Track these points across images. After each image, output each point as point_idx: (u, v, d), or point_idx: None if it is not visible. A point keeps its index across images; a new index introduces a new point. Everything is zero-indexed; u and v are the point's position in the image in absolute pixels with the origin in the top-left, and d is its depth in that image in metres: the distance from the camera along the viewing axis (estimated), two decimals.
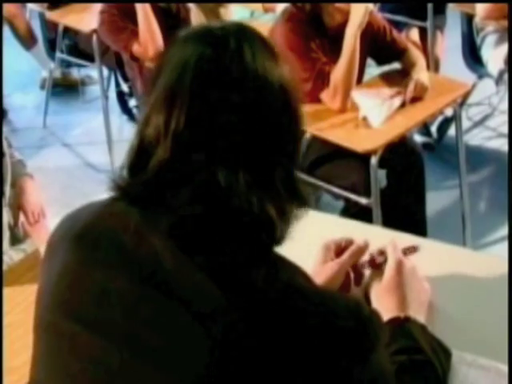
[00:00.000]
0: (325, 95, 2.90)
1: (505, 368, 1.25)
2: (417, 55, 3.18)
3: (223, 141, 0.93)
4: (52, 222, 2.42)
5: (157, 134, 0.95)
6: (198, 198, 0.91)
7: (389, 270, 1.35)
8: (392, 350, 1.18)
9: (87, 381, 0.93)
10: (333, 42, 2.94)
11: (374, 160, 2.77)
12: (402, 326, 1.24)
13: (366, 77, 3.26)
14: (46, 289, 1.02)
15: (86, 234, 1.00)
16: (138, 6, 3.39)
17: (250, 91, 0.94)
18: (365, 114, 2.87)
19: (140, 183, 0.96)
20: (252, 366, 0.86)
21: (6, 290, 1.69)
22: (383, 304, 1.30)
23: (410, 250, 1.43)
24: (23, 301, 1.63)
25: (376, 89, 3.04)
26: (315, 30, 2.93)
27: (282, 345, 0.86)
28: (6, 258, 2.17)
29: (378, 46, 3.10)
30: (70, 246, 1.01)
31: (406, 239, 1.66)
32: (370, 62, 3.29)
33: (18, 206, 2.49)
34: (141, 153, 0.98)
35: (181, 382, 0.88)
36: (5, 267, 2.04)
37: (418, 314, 1.27)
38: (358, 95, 2.95)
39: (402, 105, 2.94)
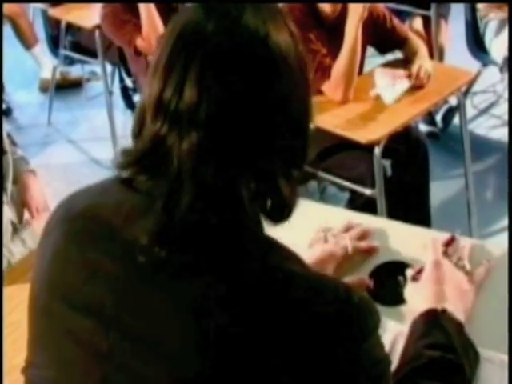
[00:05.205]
0: (326, 87, 2.89)
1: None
2: (418, 44, 3.17)
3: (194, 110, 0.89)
4: None
5: (145, 104, 0.94)
6: (178, 184, 0.89)
7: (429, 265, 1.38)
8: (425, 343, 1.18)
9: (79, 364, 0.94)
10: (330, 32, 2.94)
11: (377, 150, 2.76)
12: (439, 319, 1.24)
13: (370, 66, 3.25)
14: (39, 272, 1.02)
15: (79, 219, 0.99)
16: (141, 2, 3.38)
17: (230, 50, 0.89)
18: (378, 92, 2.88)
19: (130, 162, 0.95)
20: (239, 350, 0.85)
21: (8, 289, 1.69)
22: (421, 294, 1.33)
23: (450, 242, 1.49)
24: (26, 299, 1.63)
25: (391, 69, 3.07)
26: (314, 21, 2.93)
27: (270, 331, 0.85)
28: (5, 252, 2.16)
29: (378, 33, 3.09)
30: (63, 230, 1.01)
31: (412, 230, 1.66)
32: (374, 51, 3.28)
33: (21, 203, 2.49)
34: (138, 124, 0.96)
35: (169, 367, 0.87)
36: (5, 262, 2.04)
37: (456, 312, 1.27)
38: (377, 73, 2.99)
39: (409, 90, 2.95)
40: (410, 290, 1.39)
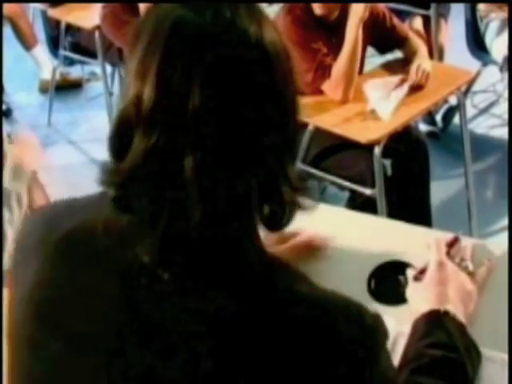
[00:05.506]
0: (326, 86, 2.89)
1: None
2: (418, 43, 3.18)
3: (195, 122, 0.81)
4: None
5: (131, 112, 0.84)
6: (185, 201, 0.82)
7: (432, 266, 1.37)
8: (427, 342, 1.17)
9: None
10: (332, 32, 2.95)
11: (377, 150, 2.76)
12: (441, 319, 1.23)
13: (369, 66, 3.25)
14: (21, 298, 0.93)
15: (66, 240, 0.92)
16: (141, 2, 3.39)
17: (230, 52, 0.82)
18: (373, 107, 2.86)
19: (118, 181, 0.86)
20: (248, 370, 0.83)
21: (8, 290, 1.68)
22: (423, 294, 1.32)
23: (453, 243, 1.47)
24: None
25: (382, 78, 3.03)
26: (315, 19, 2.94)
27: (281, 354, 0.83)
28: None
29: (378, 32, 3.09)
30: (48, 252, 0.93)
31: (412, 230, 1.66)
32: (374, 51, 3.28)
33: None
34: (120, 136, 0.87)
35: None
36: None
37: (458, 313, 1.26)
38: (369, 88, 2.94)
39: (408, 90, 2.93)
40: (412, 290, 1.38)
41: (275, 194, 0.88)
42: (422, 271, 1.40)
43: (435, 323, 1.23)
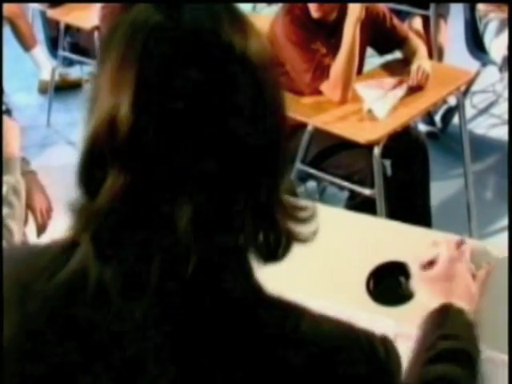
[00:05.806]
0: (325, 86, 2.89)
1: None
2: (418, 43, 3.18)
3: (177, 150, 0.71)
4: (57, 220, 2.42)
5: (104, 134, 0.74)
6: (178, 250, 0.73)
7: (443, 259, 1.38)
8: (439, 334, 1.18)
9: None
10: (330, 32, 2.95)
11: (376, 151, 2.76)
12: (450, 314, 1.25)
13: (369, 66, 3.25)
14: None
15: (42, 306, 0.80)
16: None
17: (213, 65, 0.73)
18: (369, 107, 2.85)
19: (92, 226, 0.74)
20: None
21: None
22: (429, 288, 1.33)
23: (459, 245, 1.46)
24: None
25: (378, 79, 3.03)
26: (313, 20, 2.94)
27: None
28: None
29: (377, 32, 3.09)
30: (25, 316, 0.81)
31: (412, 230, 1.66)
32: (373, 52, 3.28)
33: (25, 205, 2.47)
34: (92, 165, 0.76)
35: None
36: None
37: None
38: (361, 87, 2.93)
39: (406, 93, 2.93)
40: (419, 282, 1.39)
41: (269, 223, 0.80)
42: (432, 262, 1.40)
43: (448, 316, 1.24)
